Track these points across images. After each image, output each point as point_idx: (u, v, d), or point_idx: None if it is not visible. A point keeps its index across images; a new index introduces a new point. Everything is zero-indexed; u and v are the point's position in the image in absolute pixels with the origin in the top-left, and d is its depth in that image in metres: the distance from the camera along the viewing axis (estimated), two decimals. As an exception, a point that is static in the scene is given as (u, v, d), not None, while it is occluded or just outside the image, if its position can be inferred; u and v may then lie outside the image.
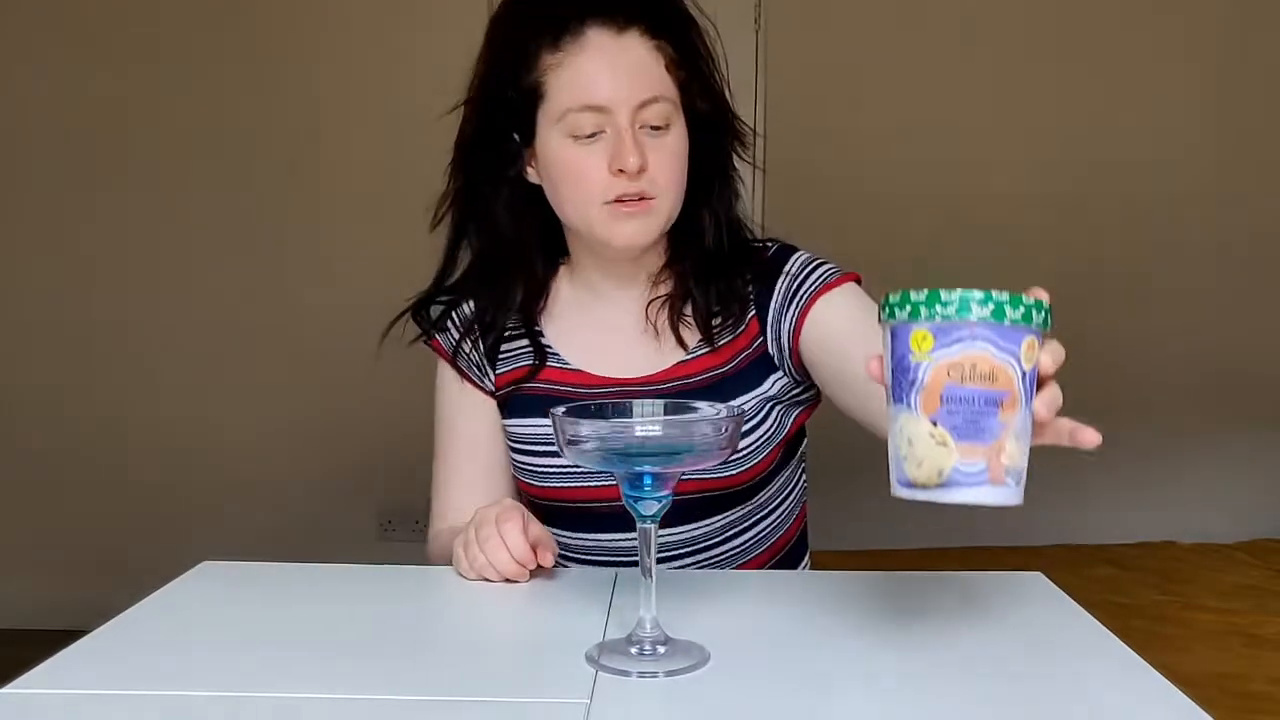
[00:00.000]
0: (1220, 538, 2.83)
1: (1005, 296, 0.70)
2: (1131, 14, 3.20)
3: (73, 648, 0.89)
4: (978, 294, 0.70)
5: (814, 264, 1.22)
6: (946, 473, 0.71)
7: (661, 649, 0.86)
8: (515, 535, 1.04)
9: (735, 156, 1.24)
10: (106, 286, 3.19)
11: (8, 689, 0.81)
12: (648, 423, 0.88)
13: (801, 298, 1.19)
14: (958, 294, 0.70)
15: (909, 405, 0.72)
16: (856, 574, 1.11)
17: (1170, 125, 3.22)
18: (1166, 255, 3.24)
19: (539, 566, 1.06)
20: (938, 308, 0.71)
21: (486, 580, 1.06)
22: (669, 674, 0.83)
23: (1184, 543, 2.77)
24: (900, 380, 0.73)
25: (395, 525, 3.16)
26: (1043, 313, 0.72)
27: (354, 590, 1.07)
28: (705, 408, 0.90)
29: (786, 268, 1.22)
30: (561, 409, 0.85)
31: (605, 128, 1.12)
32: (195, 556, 1.16)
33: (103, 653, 0.89)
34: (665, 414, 0.89)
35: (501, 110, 1.17)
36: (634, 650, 0.86)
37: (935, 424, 0.71)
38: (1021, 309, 0.71)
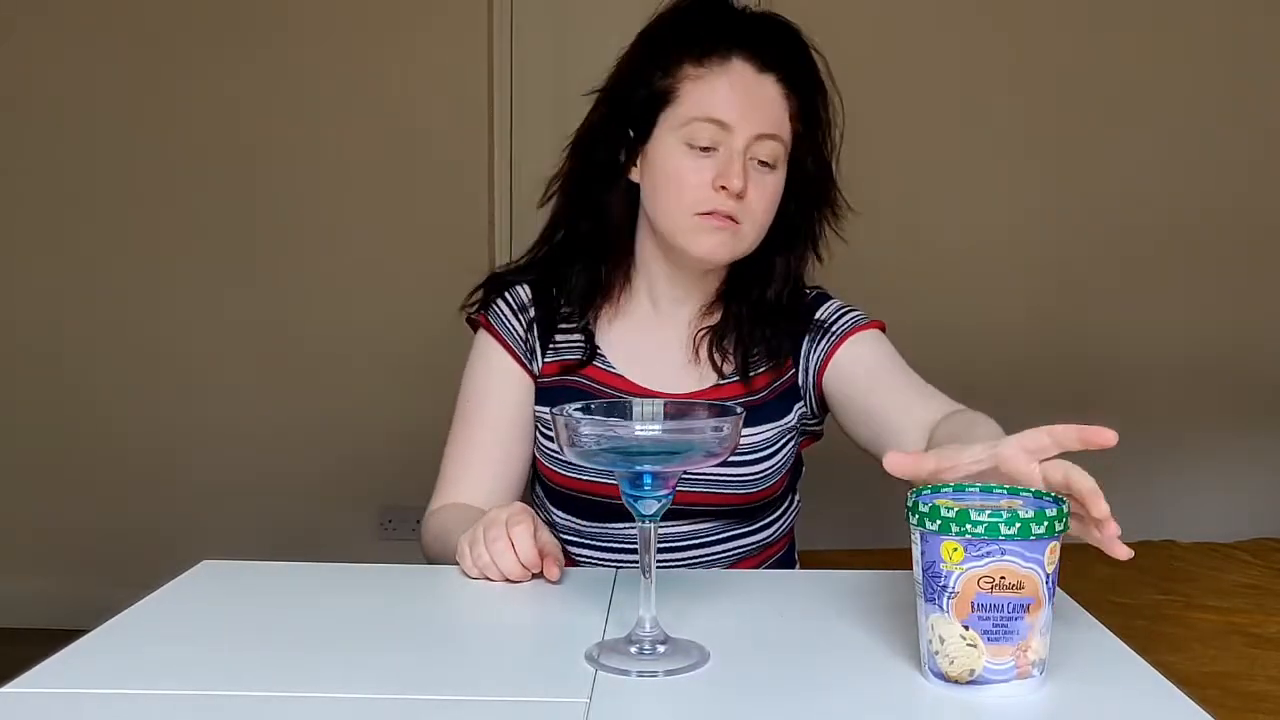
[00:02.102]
0: (1220, 538, 2.82)
1: (1030, 514, 0.75)
2: (1137, 23, 3.20)
3: (73, 647, 0.89)
4: (1004, 514, 0.75)
5: (844, 309, 1.32)
6: (978, 671, 0.78)
7: (661, 648, 0.86)
8: (525, 539, 1.04)
9: (826, 225, 1.32)
10: (106, 286, 3.18)
11: (8, 689, 0.81)
12: (648, 423, 0.88)
13: (830, 338, 1.28)
14: (986, 516, 0.75)
15: (941, 608, 0.78)
16: (856, 573, 1.12)
17: (1172, 126, 3.22)
18: (1167, 254, 3.24)
19: (542, 575, 1.06)
20: (968, 526, 0.76)
21: (488, 579, 1.06)
22: (668, 673, 0.83)
23: (1184, 542, 2.76)
24: (932, 583, 0.78)
25: (395, 525, 3.16)
26: (1063, 520, 0.78)
27: (354, 590, 1.07)
28: (705, 407, 0.90)
29: (819, 315, 1.31)
30: (561, 408, 0.85)
31: (720, 145, 1.19)
32: (195, 556, 1.16)
33: (103, 652, 0.89)
34: (665, 414, 0.89)
35: (628, 106, 1.24)
36: (633, 649, 0.86)
37: (967, 628, 0.77)
38: (1045, 524, 0.76)
